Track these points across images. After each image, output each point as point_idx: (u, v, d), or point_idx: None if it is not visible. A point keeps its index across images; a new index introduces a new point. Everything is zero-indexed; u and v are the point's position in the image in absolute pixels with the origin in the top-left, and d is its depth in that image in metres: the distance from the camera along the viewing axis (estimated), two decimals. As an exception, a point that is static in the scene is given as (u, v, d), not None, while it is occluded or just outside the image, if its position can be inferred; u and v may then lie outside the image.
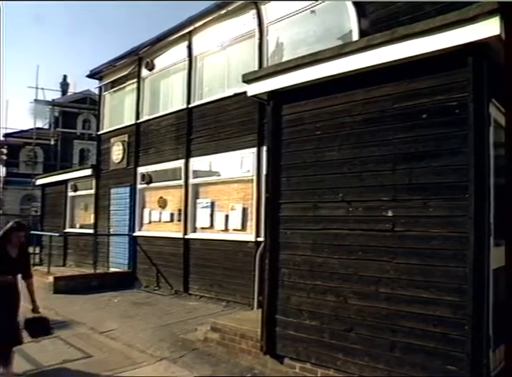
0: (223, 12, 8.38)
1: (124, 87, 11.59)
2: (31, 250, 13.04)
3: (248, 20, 8.09)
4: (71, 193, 13.27)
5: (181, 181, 9.14)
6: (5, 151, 28.16)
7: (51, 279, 9.19)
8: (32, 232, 14.33)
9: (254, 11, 7.95)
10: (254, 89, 4.90)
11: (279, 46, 7.75)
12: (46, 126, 28.33)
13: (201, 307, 7.61)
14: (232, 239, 7.91)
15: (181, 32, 9.35)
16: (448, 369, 3.31)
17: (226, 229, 8.17)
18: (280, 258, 4.52)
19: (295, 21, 7.41)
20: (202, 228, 8.73)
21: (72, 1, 36.83)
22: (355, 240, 3.96)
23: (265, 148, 6.21)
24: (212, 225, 8.49)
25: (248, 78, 4.96)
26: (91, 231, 11.85)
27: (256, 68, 7.34)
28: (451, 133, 3.44)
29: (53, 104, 27.69)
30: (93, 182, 12.05)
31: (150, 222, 10.11)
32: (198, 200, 8.88)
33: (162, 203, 9.79)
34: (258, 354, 4.63)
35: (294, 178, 4.48)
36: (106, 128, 12.13)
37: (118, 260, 10.78)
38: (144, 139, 10.44)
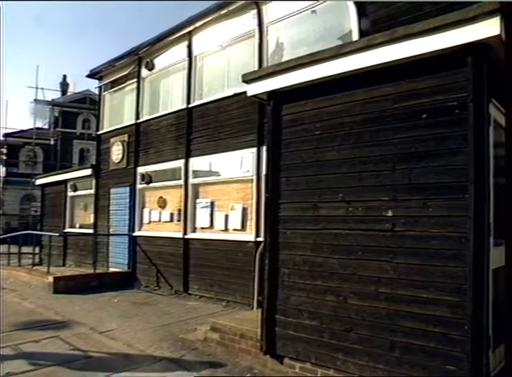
0: (223, 12, 8.37)
1: (124, 87, 11.58)
2: (30, 250, 13.12)
3: (248, 20, 8.09)
4: (70, 193, 13.26)
5: (181, 181, 9.13)
6: (5, 151, 28.18)
7: (51, 279, 9.19)
8: (32, 231, 14.34)
9: (254, 11, 7.94)
10: (254, 89, 4.89)
11: (279, 46, 7.75)
12: (46, 126, 28.34)
13: (201, 307, 7.60)
14: (232, 239, 7.91)
15: (181, 32, 9.34)
16: (447, 369, 3.31)
17: (226, 229, 8.17)
18: (280, 258, 4.52)
19: (295, 21, 7.41)
20: (202, 228, 8.73)
21: (72, 2, 36.82)
22: (355, 240, 3.95)
23: (264, 148, 6.21)
24: (212, 225, 8.49)
25: (248, 78, 4.95)
26: (91, 231, 11.83)
27: (256, 68, 7.34)
28: (451, 133, 3.44)
29: (52, 104, 27.70)
30: (93, 182, 12.04)
31: (150, 222, 10.11)
32: (198, 200, 8.88)
33: (162, 203, 9.78)
34: (258, 354, 4.63)
35: (294, 178, 4.47)
36: (106, 128, 12.12)
37: (117, 260, 10.77)
38: (144, 139, 10.44)
